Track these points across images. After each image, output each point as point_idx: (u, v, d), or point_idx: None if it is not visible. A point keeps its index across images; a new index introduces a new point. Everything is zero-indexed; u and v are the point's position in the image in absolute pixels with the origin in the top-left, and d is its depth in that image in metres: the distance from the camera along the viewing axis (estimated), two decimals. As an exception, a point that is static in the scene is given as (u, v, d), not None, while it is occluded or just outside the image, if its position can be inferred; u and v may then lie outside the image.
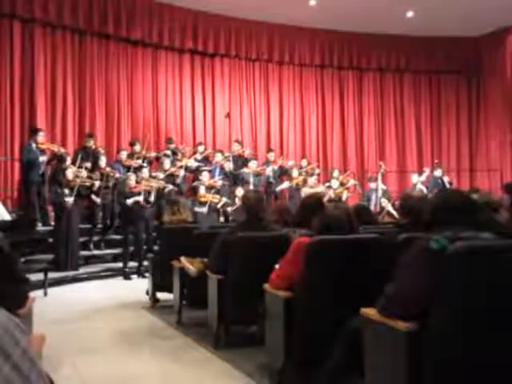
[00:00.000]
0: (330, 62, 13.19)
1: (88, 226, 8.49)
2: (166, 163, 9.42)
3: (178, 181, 9.45)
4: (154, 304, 5.64)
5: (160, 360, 3.78)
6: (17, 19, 9.60)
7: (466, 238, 1.99)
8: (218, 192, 9.35)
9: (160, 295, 5.66)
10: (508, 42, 12.68)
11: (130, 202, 7.77)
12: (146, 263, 7.20)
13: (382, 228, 4.26)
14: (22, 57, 9.69)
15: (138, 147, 9.70)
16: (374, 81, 13.69)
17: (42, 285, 6.26)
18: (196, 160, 10.14)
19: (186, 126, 11.81)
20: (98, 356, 3.89)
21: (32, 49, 9.77)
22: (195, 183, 9.67)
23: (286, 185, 10.43)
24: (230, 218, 9.19)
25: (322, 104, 13.31)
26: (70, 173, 7.94)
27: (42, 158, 8.26)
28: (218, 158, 10.22)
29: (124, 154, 9.47)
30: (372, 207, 9.42)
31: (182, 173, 9.51)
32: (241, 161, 10.63)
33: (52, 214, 8.19)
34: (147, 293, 5.87)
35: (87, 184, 8.21)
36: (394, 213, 8.60)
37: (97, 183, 8.35)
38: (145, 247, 7.84)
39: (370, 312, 2.25)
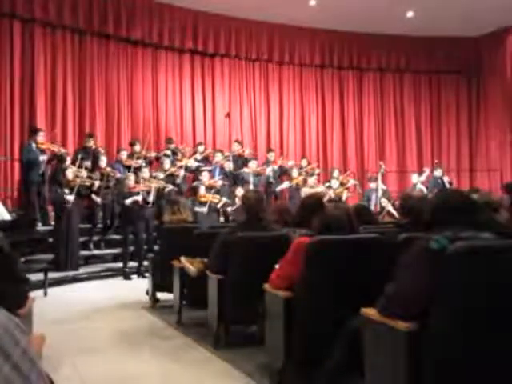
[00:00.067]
0: (330, 62, 13.19)
1: (88, 225, 8.50)
2: (166, 163, 9.42)
3: (178, 181, 9.45)
4: (154, 304, 5.64)
5: (160, 360, 3.78)
6: (17, 19, 9.61)
7: (466, 237, 1.99)
8: (218, 192, 9.35)
9: (160, 295, 5.66)
10: (508, 41, 12.68)
11: (128, 201, 7.77)
12: (146, 263, 7.20)
13: (382, 228, 4.26)
14: (22, 57, 9.69)
15: (138, 147, 9.70)
16: (374, 81, 13.70)
17: (42, 285, 6.26)
18: (196, 160, 10.14)
19: (186, 125, 11.82)
20: (98, 356, 3.89)
21: (32, 49, 9.78)
22: (195, 183, 9.67)
23: (285, 185, 10.43)
24: (230, 218, 9.19)
25: (322, 104, 13.32)
26: (69, 173, 7.94)
27: (42, 158, 8.26)
28: (218, 157, 10.22)
29: (124, 154, 9.47)
30: (372, 207, 9.42)
31: (181, 173, 9.51)
32: (241, 161, 10.63)
33: (52, 214, 8.19)
34: (147, 293, 5.87)
35: (87, 184, 8.21)
36: (394, 213, 8.60)
37: (97, 183, 8.36)
38: (145, 247, 7.84)
39: (370, 312, 2.25)
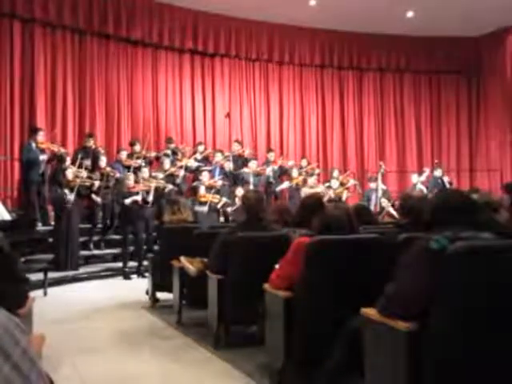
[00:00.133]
0: (330, 62, 13.19)
1: (88, 225, 8.50)
2: (166, 163, 9.42)
3: (178, 181, 9.45)
4: (154, 304, 5.64)
5: (160, 360, 3.78)
6: (17, 19, 9.61)
7: (466, 238, 1.99)
8: (218, 192, 9.35)
9: (160, 295, 5.66)
10: (508, 41, 12.68)
11: (127, 201, 7.77)
12: (145, 263, 7.20)
13: (382, 228, 4.26)
14: (22, 57, 9.69)
15: (137, 147, 9.70)
16: (374, 81, 13.70)
17: (42, 285, 6.26)
18: (196, 160, 10.14)
19: (186, 125, 11.82)
20: (98, 356, 3.89)
21: (32, 49, 9.78)
22: (195, 183, 9.67)
23: (285, 185, 10.43)
24: (230, 218, 9.19)
25: (322, 104, 13.31)
26: (69, 173, 7.94)
27: (42, 158, 8.26)
28: (218, 157, 10.22)
29: (124, 154, 9.47)
30: (372, 207, 9.42)
31: (181, 173, 9.51)
32: (241, 161, 10.63)
33: (52, 214, 8.19)
34: (147, 293, 5.87)
35: (87, 184, 8.22)
36: (394, 213, 8.60)
37: (96, 183, 8.36)
38: (145, 247, 7.84)
39: (370, 312, 2.25)
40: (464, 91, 13.92)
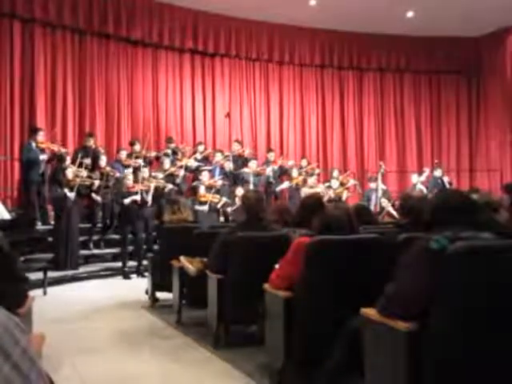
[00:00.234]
0: (330, 61, 13.19)
1: (88, 225, 8.51)
2: (166, 163, 9.42)
3: (178, 180, 9.44)
4: (154, 303, 5.64)
5: (160, 360, 3.78)
6: (17, 19, 9.61)
7: (466, 238, 1.99)
8: (217, 192, 9.35)
9: (159, 295, 5.66)
10: (508, 41, 12.68)
11: (127, 201, 7.77)
12: (145, 262, 7.20)
13: (382, 228, 4.26)
14: (22, 57, 9.69)
15: (137, 147, 9.69)
16: (374, 81, 13.69)
17: (42, 284, 6.26)
18: (196, 160, 10.14)
19: (186, 125, 11.82)
20: (98, 356, 3.89)
21: (32, 49, 9.78)
22: (195, 183, 9.67)
23: (285, 185, 10.43)
24: (230, 218, 9.19)
25: (322, 104, 13.32)
26: (69, 172, 7.94)
27: (42, 157, 8.26)
28: (218, 157, 10.22)
29: (124, 154, 9.47)
30: (372, 207, 9.42)
31: (181, 172, 9.51)
32: (241, 161, 10.62)
33: (52, 213, 8.19)
34: (147, 292, 5.87)
35: (87, 183, 8.22)
36: (394, 213, 8.60)
37: (96, 182, 8.36)
38: (145, 247, 7.84)
39: (370, 312, 2.25)
40: (464, 91, 13.92)
